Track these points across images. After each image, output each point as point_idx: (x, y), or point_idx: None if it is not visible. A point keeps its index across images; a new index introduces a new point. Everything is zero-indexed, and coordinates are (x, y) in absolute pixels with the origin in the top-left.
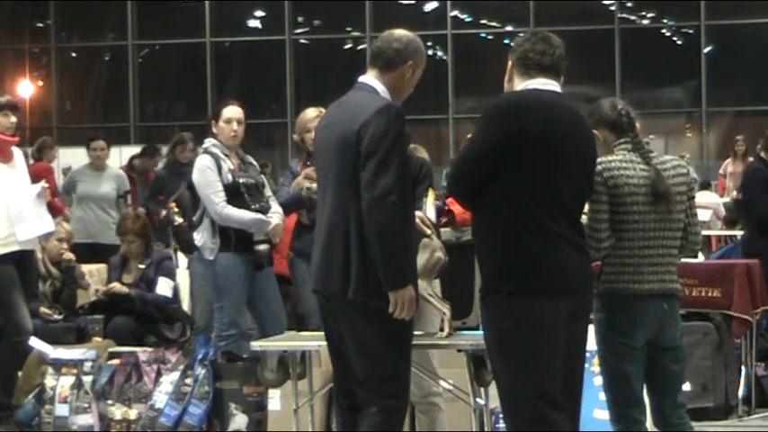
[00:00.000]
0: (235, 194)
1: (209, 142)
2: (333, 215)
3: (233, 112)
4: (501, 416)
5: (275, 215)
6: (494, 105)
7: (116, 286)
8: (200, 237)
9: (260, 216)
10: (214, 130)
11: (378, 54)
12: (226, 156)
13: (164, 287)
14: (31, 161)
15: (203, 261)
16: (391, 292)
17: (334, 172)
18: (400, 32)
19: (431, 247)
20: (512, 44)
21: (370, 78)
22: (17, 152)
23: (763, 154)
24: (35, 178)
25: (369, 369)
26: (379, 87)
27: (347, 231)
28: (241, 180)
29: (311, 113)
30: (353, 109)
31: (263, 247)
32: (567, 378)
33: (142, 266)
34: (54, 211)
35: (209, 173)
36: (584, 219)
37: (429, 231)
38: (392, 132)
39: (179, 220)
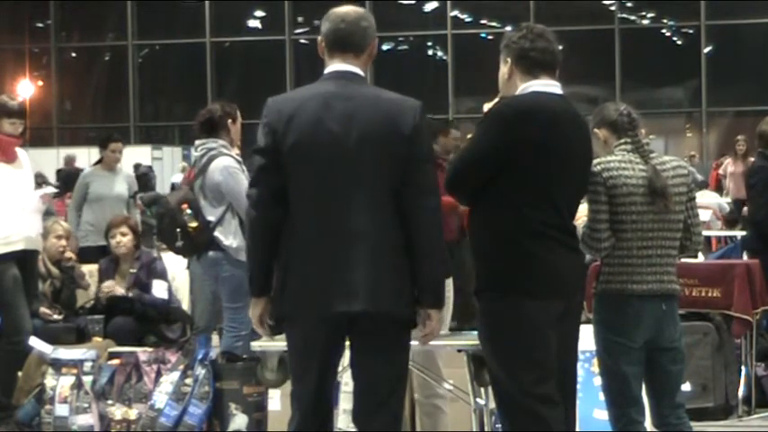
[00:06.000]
0: None
1: (216, 143)
2: (372, 225)
3: None
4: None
5: None
6: (497, 112)
7: (114, 288)
8: (229, 238)
9: None
10: (232, 128)
11: (346, 37)
12: None
13: (159, 290)
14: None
15: (229, 261)
16: (437, 309)
17: (368, 176)
18: (356, 10)
19: None
20: (504, 40)
21: (349, 66)
22: (21, 153)
23: None
24: None
25: (392, 384)
26: (363, 74)
27: (396, 245)
28: None
29: None
30: (383, 105)
31: None
32: (559, 377)
33: (133, 270)
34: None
35: (240, 175)
36: (583, 220)
37: None
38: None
39: (194, 223)
